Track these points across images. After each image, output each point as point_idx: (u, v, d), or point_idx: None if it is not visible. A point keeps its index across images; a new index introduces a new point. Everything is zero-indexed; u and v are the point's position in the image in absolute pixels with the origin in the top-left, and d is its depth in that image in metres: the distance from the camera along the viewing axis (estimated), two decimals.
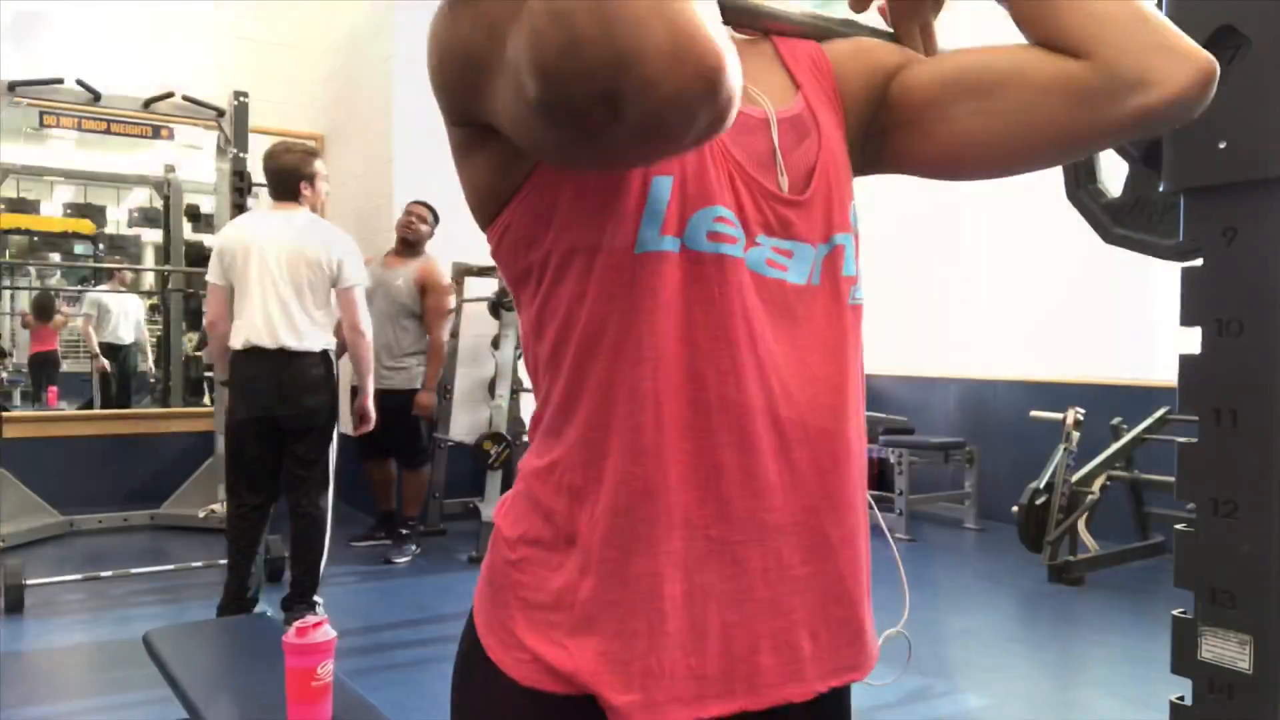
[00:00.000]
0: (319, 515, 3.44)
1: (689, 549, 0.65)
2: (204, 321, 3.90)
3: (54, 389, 7.70)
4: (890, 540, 1.07)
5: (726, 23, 0.73)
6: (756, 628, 0.67)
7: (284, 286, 3.24)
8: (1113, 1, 0.67)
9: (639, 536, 0.65)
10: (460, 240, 5.27)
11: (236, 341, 3.25)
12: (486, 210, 0.70)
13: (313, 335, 3.29)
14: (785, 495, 0.68)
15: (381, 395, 4.07)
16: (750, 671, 0.67)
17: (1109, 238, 1.25)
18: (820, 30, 0.81)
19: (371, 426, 3.59)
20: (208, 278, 3.37)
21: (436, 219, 4.69)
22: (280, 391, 3.23)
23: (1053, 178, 4.71)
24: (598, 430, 0.66)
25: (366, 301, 4.06)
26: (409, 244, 4.61)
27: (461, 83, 0.61)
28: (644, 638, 0.65)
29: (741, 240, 0.67)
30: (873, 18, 0.85)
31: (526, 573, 0.68)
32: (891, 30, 0.83)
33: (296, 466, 3.39)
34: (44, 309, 7.83)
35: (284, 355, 3.22)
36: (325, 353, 3.34)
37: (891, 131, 0.77)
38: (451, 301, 4.71)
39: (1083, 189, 1.28)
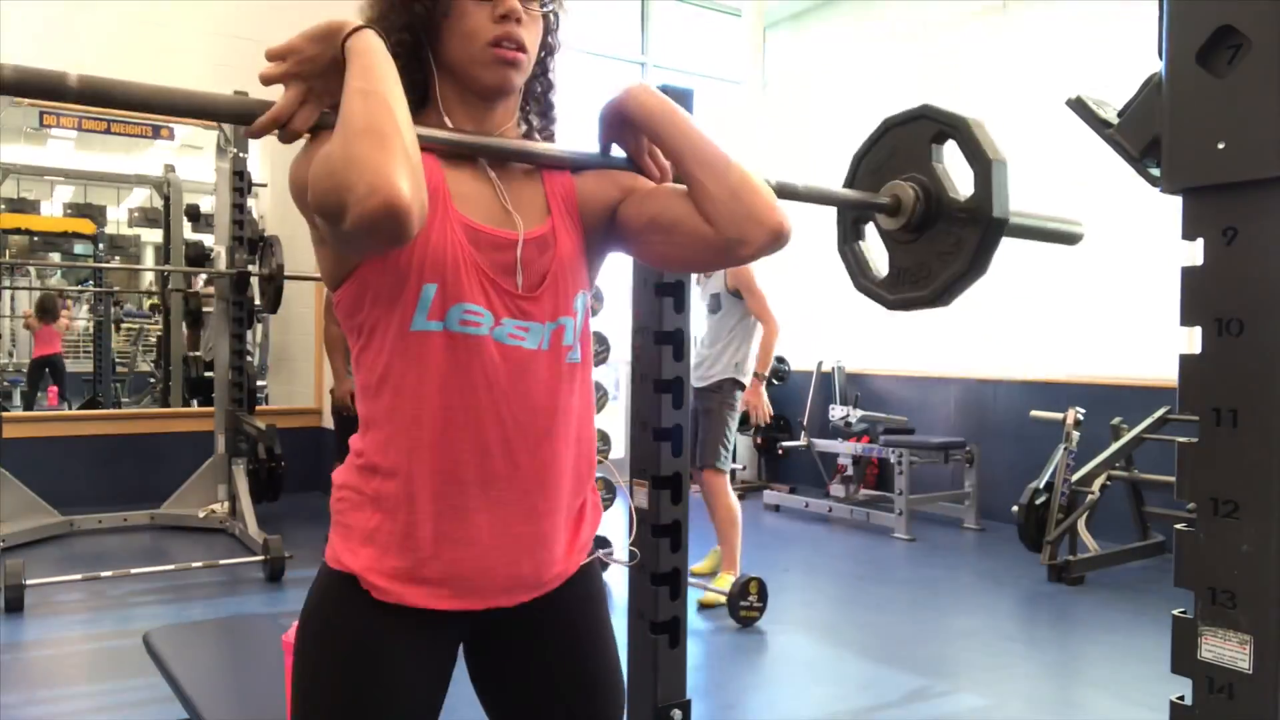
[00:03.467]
0: None
1: (437, 510, 1.01)
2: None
3: (54, 389, 7.69)
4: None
5: (509, 161, 1.09)
6: (482, 563, 1.04)
7: None
8: (722, 186, 1.03)
9: (406, 500, 1.01)
10: None
11: None
12: (331, 285, 1.05)
13: None
14: (508, 481, 1.04)
15: None
16: (469, 589, 1.04)
17: (889, 304, 1.43)
18: (577, 164, 1.12)
19: None
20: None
21: None
22: None
23: (1052, 178, 4.70)
24: (384, 435, 1.03)
25: None
26: None
27: (302, 204, 0.94)
28: (400, 555, 1.02)
29: (488, 322, 1.02)
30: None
31: (344, 509, 1.07)
32: (624, 157, 1.13)
33: None
34: (48, 309, 7.79)
35: None
36: None
37: (618, 238, 1.15)
38: None
39: (865, 277, 1.48)
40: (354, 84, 0.89)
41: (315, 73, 0.94)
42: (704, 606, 3.82)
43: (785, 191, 1.22)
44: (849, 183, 1.51)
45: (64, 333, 8.12)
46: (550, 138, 1.18)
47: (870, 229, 1.51)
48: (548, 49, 1.14)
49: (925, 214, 1.36)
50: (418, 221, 0.85)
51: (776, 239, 1.03)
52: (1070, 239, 1.60)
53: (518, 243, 1.04)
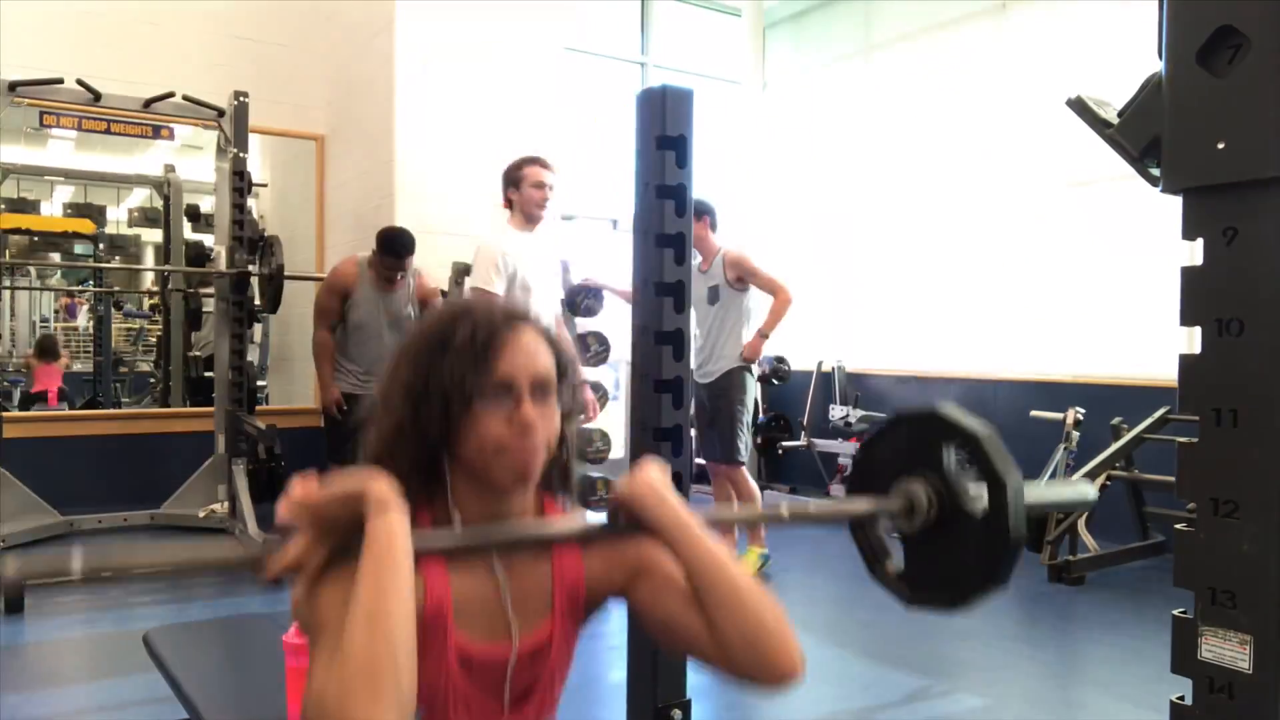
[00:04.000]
0: None
1: None
2: None
3: (54, 389, 7.67)
4: None
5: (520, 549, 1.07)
6: None
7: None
8: (738, 633, 0.97)
9: None
10: (461, 240, 5.28)
11: None
12: None
13: None
14: None
15: None
16: None
17: (910, 603, 1.32)
18: (587, 537, 1.08)
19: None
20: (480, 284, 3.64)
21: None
22: None
23: (1051, 179, 4.70)
24: None
25: (359, 318, 4.17)
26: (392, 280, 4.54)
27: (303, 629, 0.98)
28: None
29: None
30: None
31: None
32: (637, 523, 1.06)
33: None
34: (47, 349, 7.75)
35: None
36: None
37: (632, 612, 1.11)
38: None
39: (883, 570, 1.39)
40: (362, 594, 0.87)
41: (330, 531, 0.94)
42: None
43: (798, 515, 1.18)
44: (857, 469, 1.35)
45: (64, 370, 8.05)
46: (569, 492, 1.15)
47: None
48: (567, 415, 1.10)
49: (939, 520, 1.25)
50: None
51: (784, 685, 0.99)
52: (1083, 505, 1.52)
53: (509, 663, 1.05)
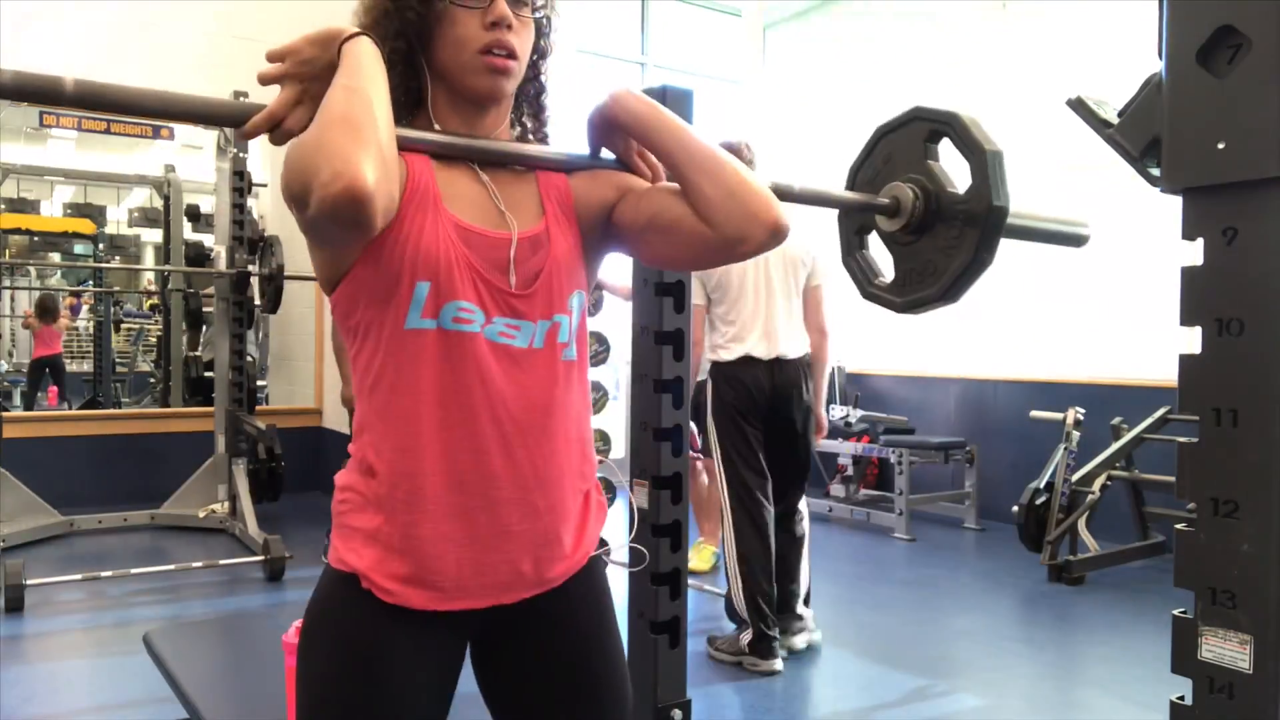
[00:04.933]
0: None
1: (435, 510, 1.01)
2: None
3: (54, 389, 7.69)
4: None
5: (502, 163, 1.09)
6: (479, 560, 1.03)
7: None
8: (718, 187, 1.03)
9: (404, 500, 1.01)
10: None
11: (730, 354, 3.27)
12: (327, 289, 1.06)
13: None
14: (506, 479, 1.03)
15: None
16: (470, 588, 1.04)
17: (899, 308, 1.45)
18: (569, 165, 1.13)
19: (826, 434, 3.55)
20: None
21: None
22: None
23: (1049, 180, 4.70)
24: (380, 435, 1.03)
25: None
26: None
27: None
28: (401, 556, 1.02)
29: (480, 320, 1.02)
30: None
31: (345, 511, 1.06)
32: (615, 158, 1.15)
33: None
34: (48, 309, 7.79)
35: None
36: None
37: (616, 239, 1.16)
38: None
39: (872, 285, 1.47)
40: (339, 80, 0.92)
41: (312, 75, 0.96)
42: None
43: (780, 193, 1.22)
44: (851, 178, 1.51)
45: (64, 332, 8.11)
46: (544, 140, 1.18)
47: (873, 238, 1.50)
48: (540, 52, 1.14)
49: (925, 212, 1.35)
50: (381, 212, 0.88)
51: (775, 234, 1.04)
52: (1075, 240, 1.59)
53: (511, 241, 1.05)
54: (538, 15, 1.09)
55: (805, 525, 3.41)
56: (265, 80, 0.98)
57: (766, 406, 3.30)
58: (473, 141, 1.06)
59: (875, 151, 1.44)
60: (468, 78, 1.04)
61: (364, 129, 0.87)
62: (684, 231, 1.06)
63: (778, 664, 3.14)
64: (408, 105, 1.06)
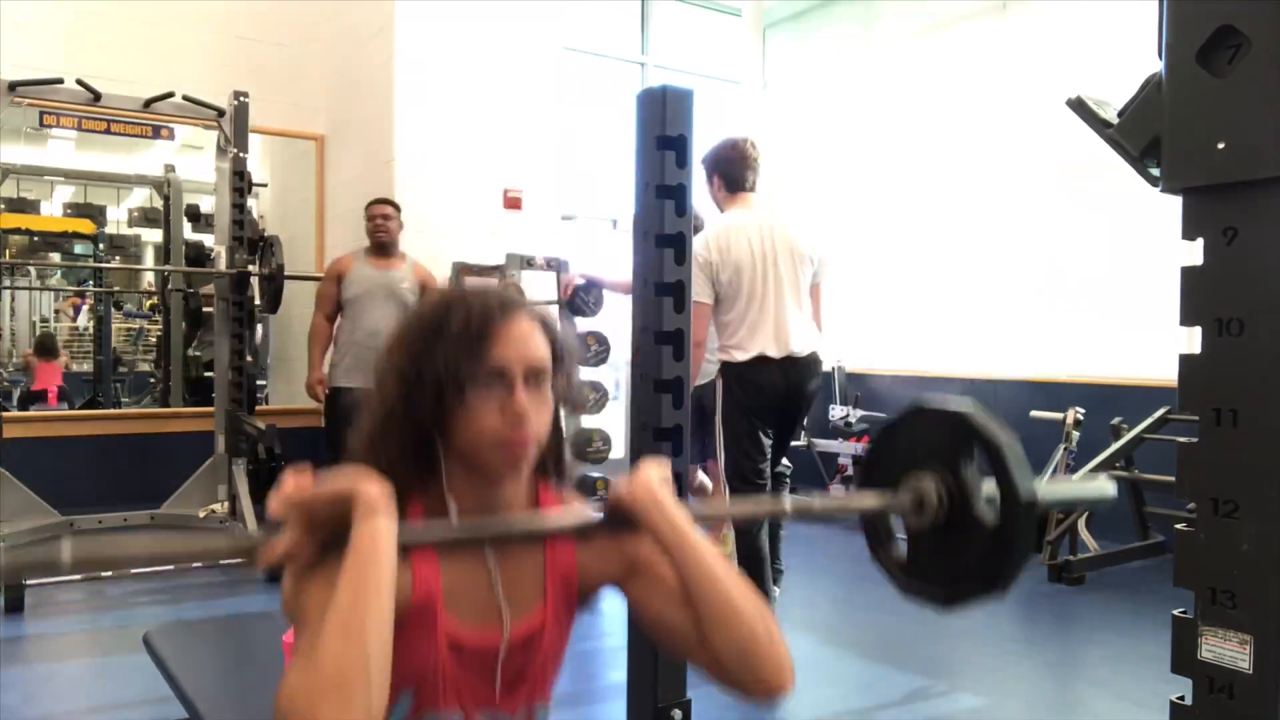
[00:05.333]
0: None
1: None
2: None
3: (54, 389, 7.68)
4: None
5: (503, 543, 1.06)
6: None
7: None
8: (731, 646, 0.97)
9: None
10: (460, 240, 5.28)
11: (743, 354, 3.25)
12: None
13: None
14: None
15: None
16: None
17: (903, 591, 1.30)
18: (580, 531, 1.07)
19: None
20: (699, 298, 3.15)
21: (399, 211, 4.70)
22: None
23: (1052, 179, 4.69)
24: None
25: (364, 303, 4.18)
26: (384, 245, 4.60)
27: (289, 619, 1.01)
28: None
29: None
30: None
31: None
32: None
33: None
34: (47, 348, 7.77)
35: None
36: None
37: (630, 605, 1.12)
38: None
39: (888, 557, 1.37)
40: (340, 601, 0.88)
41: (319, 528, 0.94)
42: None
43: (801, 512, 1.17)
44: (872, 456, 1.28)
45: (64, 369, 8.06)
46: (561, 475, 1.14)
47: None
48: (562, 403, 1.10)
49: (949, 519, 1.20)
50: None
51: (773, 699, 1.01)
52: (1104, 503, 1.49)
53: (500, 651, 1.04)
54: (559, 390, 1.07)
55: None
56: (275, 518, 0.96)
57: (780, 406, 3.30)
58: (482, 531, 1.04)
59: (914, 423, 1.25)
60: (485, 460, 1.02)
61: (354, 689, 0.85)
62: (687, 651, 1.03)
63: None
64: (419, 472, 1.03)
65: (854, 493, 1.26)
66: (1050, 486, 1.17)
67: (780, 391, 3.29)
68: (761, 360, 3.25)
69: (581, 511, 1.08)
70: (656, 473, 1.04)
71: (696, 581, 0.99)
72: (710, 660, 1.00)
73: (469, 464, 1.03)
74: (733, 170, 3.43)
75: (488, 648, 1.04)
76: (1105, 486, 1.41)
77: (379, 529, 0.91)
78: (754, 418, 3.28)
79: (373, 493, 0.92)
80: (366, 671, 0.86)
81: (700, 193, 2.07)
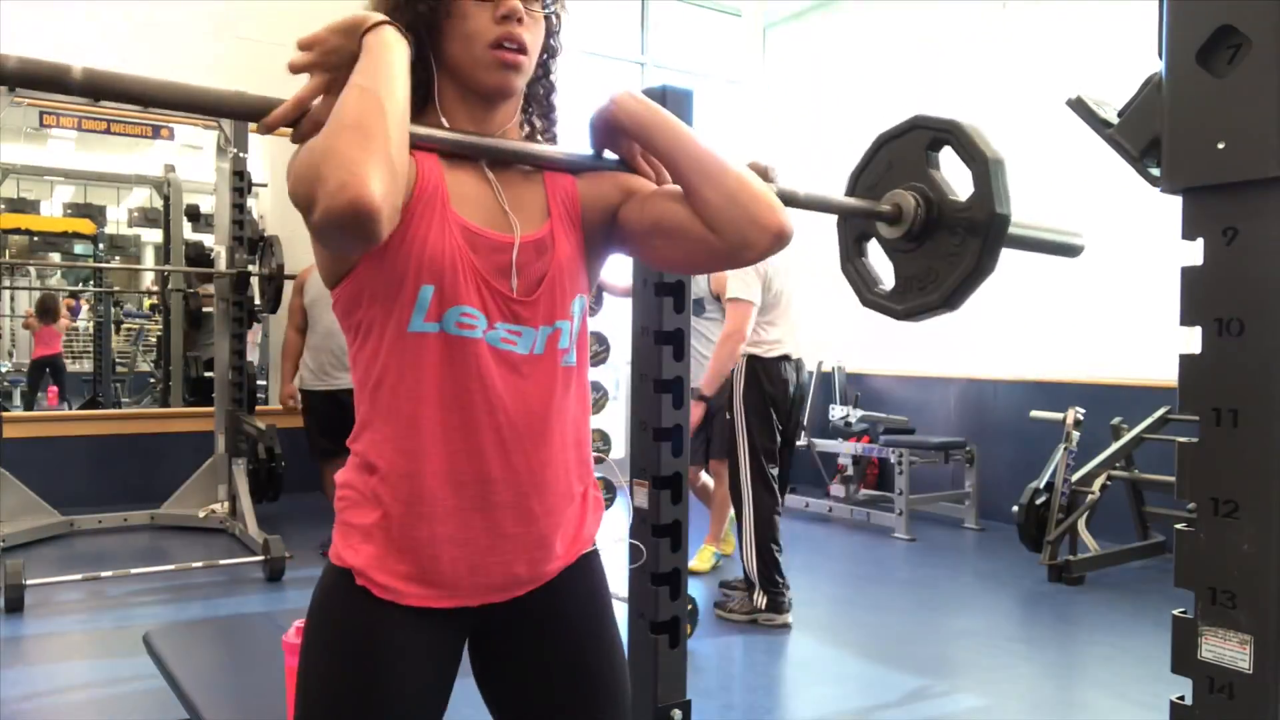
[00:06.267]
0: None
1: (433, 511, 1.02)
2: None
3: (54, 389, 7.69)
4: None
5: (510, 162, 1.09)
6: (475, 562, 1.04)
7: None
8: (721, 193, 1.03)
9: (402, 499, 1.02)
10: None
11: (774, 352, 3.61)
12: (329, 283, 1.06)
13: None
14: (504, 483, 1.04)
15: (336, 395, 4.44)
16: (464, 588, 1.05)
17: (899, 315, 1.45)
18: (573, 166, 1.13)
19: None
20: (744, 295, 3.51)
21: None
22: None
23: (1052, 178, 4.69)
24: (381, 435, 1.03)
25: (320, 305, 4.52)
26: None
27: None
28: (397, 554, 1.03)
29: (482, 325, 1.02)
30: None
31: (345, 507, 1.07)
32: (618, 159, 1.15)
33: None
34: (48, 309, 7.79)
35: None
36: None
37: (619, 241, 1.16)
38: None
39: (871, 293, 1.50)
40: (356, 78, 0.91)
41: (338, 64, 0.95)
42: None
43: (785, 198, 1.22)
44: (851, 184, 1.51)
45: (64, 333, 8.11)
46: (552, 139, 1.17)
47: (873, 245, 1.50)
48: (549, 51, 1.13)
49: (927, 220, 1.35)
50: (387, 224, 0.86)
51: (779, 240, 1.04)
52: (1071, 251, 1.59)
53: (514, 246, 1.05)
54: (548, 11, 1.09)
55: None
56: (295, 69, 0.97)
57: (792, 401, 3.70)
58: (480, 140, 1.05)
59: (876, 158, 1.44)
60: (478, 72, 1.03)
61: (374, 137, 0.86)
62: (688, 237, 1.06)
63: (789, 618, 3.61)
64: (416, 99, 1.04)
65: (838, 196, 1.40)
66: (1017, 219, 1.34)
67: (793, 388, 3.69)
68: (784, 359, 3.66)
69: (572, 148, 1.14)
70: (626, 89, 1.10)
71: (683, 149, 1.05)
72: (709, 221, 1.04)
73: (462, 82, 1.05)
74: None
75: (501, 244, 1.04)
76: (1075, 239, 1.54)
77: (387, 32, 0.94)
78: (774, 408, 3.62)
79: (380, 17, 0.96)
80: (385, 122, 0.87)
81: None
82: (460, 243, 1.01)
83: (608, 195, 1.13)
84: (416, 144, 1.00)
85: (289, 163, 0.96)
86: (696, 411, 3.68)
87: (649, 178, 1.14)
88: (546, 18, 1.09)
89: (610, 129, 1.11)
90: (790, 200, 1.28)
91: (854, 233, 1.53)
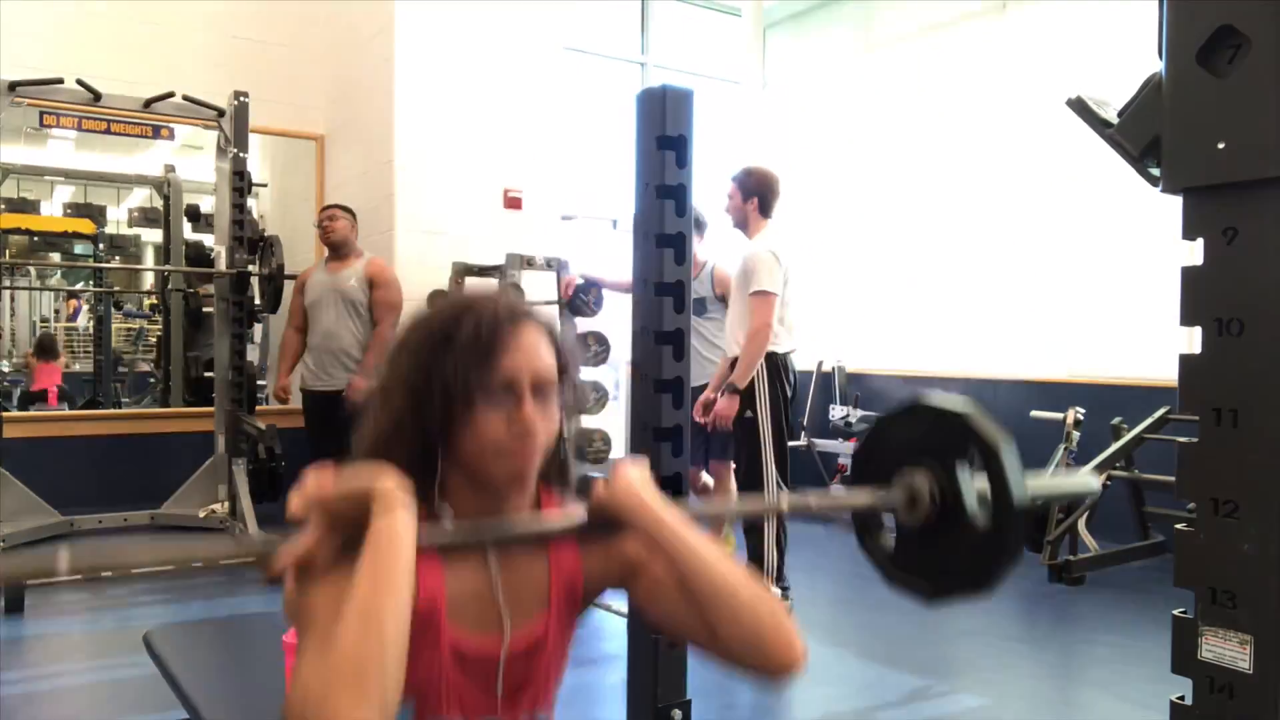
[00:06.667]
0: None
1: None
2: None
3: (54, 389, 7.67)
4: None
5: (520, 542, 1.06)
6: None
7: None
8: (737, 632, 0.97)
9: None
10: (460, 240, 5.28)
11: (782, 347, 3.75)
12: None
13: None
14: None
15: (337, 395, 4.47)
16: None
17: (889, 581, 1.30)
18: (570, 533, 1.06)
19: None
20: (771, 288, 3.66)
21: (353, 216, 4.80)
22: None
23: (1049, 180, 4.70)
24: None
25: (319, 307, 4.33)
26: (336, 246, 4.70)
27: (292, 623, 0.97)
28: None
29: None
30: None
31: None
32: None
33: None
34: (46, 348, 7.78)
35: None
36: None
37: (632, 606, 1.13)
38: (401, 296, 4.78)
39: (875, 544, 1.38)
40: (359, 591, 0.86)
41: (341, 526, 0.92)
42: None
43: (797, 510, 1.17)
44: (865, 451, 1.29)
45: (64, 369, 8.07)
46: (565, 483, 1.14)
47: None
48: (566, 412, 1.09)
49: (940, 517, 1.20)
50: None
51: (789, 675, 0.99)
52: (1086, 497, 1.51)
53: (499, 656, 1.04)
54: (565, 400, 1.05)
55: None
56: (295, 520, 0.93)
57: (795, 398, 3.93)
58: (480, 533, 1.02)
59: (913, 418, 1.27)
60: (490, 472, 1.01)
61: (370, 679, 0.82)
62: (699, 644, 1.03)
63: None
64: (421, 482, 0.99)
65: (849, 490, 1.26)
66: (1035, 481, 1.17)
67: (796, 381, 3.90)
68: (791, 354, 3.83)
69: (574, 514, 1.05)
70: (636, 473, 1.02)
71: (693, 576, 0.98)
72: (722, 650, 0.99)
73: (472, 475, 1.02)
74: (770, 198, 3.93)
75: (489, 655, 1.03)
76: (1089, 481, 1.44)
77: (398, 521, 0.89)
78: (785, 403, 3.77)
79: (392, 487, 0.91)
80: (384, 664, 0.84)
81: (700, 193, 2.07)
82: (448, 665, 1.01)
83: (611, 568, 1.10)
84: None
85: (285, 598, 0.94)
86: (733, 404, 3.71)
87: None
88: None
89: (616, 521, 1.03)
90: (802, 510, 1.24)
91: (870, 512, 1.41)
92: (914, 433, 1.21)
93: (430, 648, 0.99)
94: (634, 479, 1.01)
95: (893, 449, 1.22)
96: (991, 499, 1.11)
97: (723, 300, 4.22)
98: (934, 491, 1.17)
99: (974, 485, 1.13)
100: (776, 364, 3.71)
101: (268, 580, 0.92)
